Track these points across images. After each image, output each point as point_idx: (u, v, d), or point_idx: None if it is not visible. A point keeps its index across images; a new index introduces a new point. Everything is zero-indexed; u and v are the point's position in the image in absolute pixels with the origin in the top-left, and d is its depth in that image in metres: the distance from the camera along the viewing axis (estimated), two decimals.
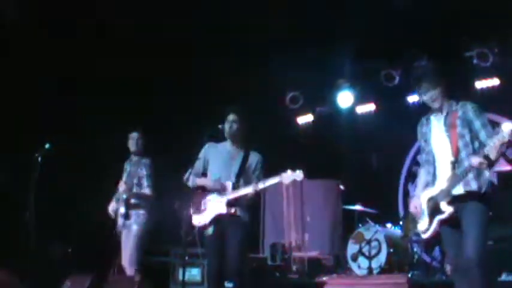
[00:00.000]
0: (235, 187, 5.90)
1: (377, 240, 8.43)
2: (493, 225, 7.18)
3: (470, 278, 4.59)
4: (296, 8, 8.45)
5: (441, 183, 4.94)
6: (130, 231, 6.94)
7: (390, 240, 8.37)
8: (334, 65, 9.83)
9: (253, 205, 6.16)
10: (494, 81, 8.96)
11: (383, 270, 8.26)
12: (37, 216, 6.97)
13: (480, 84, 9.08)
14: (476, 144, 4.84)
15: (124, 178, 7.14)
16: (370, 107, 10.55)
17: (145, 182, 7.00)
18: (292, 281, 9.00)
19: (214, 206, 5.92)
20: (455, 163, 4.87)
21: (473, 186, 4.80)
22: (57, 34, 8.56)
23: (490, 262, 5.04)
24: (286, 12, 8.45)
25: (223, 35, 8.80)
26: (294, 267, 9.46)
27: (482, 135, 4.81)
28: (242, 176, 5.96)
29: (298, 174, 5.75)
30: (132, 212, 6.96)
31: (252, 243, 9.62)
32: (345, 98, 10.42)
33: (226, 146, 6.17)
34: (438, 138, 5.08)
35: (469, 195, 4.80)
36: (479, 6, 7.89)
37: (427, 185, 5.11)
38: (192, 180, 6.15)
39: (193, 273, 8.59)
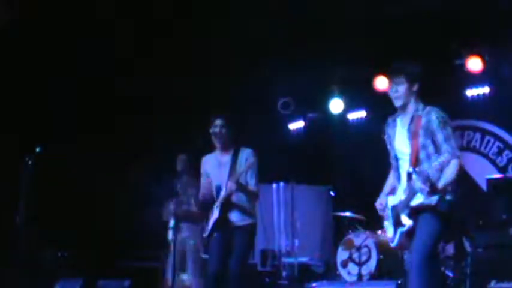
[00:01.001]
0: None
1: (367, 246, 8.44)
2: (483, 232, 7.31)
3: (411, 277, 4.55)
4: (288, 14, 8.46)
5: (401, 193, 4.79)
6: (185, 245, 7.36)
7: (380, 247, 8.37)
8: (325, 71, 9.85)
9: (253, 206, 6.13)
10: (485, 89, 8.98)
11: (373, 277, 8.26)
12: (28, 220, 6.95)
13: (471, 92, 9.10)
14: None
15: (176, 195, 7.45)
16: (361, 114, 10.56)
17: (193, 201, 7.39)
18: (282, 287, 9.00)
19: (213, 213, 5.94)
20: (413, 174, 4.60)
21: (426, 202, 4.60)
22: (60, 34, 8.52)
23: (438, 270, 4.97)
24: (278, 17, 8.45)
25: (218, 38, 8.80)
26: (284, 273, 9.46)
27: (444, 149, 4.59)
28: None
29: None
30: (184, 226, 7.30)
31: None
32: (336, 105, 10.41)
33: (217, 153, 6.16)
34: (401, 144, 4.86)
35: (425, 207, 4.62)
36: (471, 13, 7.93)
37: (394, 190, 4.95)
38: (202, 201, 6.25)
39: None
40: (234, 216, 5.89)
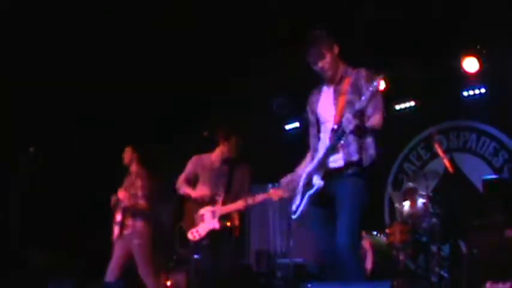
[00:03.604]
0: (225, 202, 6.04)
1: (362, 247, 8.40)
2: (479, 233, 7.28)
3: (342, 263, 4.25)
4: (286, 13, 8.45)
5: (318, 154, 4.49)
6: (131, 244, 7.01)
7: (375, 248, 8.34)
8: None
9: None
10: (481, 90, 8.95)
11: (368, 278, 8.22)
12: (19, 220, 6.93)
13: (467, 93, 9.07)
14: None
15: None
16: None
17: (140, 193, 7.05)
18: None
19: (207, 221, 6.05)
20: (336, 131, 4.33)
21: (354, 157, 4.37)
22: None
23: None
24: (274, 16, 8.44)
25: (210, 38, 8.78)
26: (279, 274, 9.42)
27: (370, 110, 4.37)
28: (232, 189, 6.12)
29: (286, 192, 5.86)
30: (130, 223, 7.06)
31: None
32: None
33: (213, 160, 6.27)
34: (325, 107, 4.63)
35: (347, 168, 4.36)
36: (468, 14, 7.91)
37: (312, 160, 4.62)
38: (181, 188, 6.26)
39: (179, 279, 8.54)
40: (226, 222, 6.08)
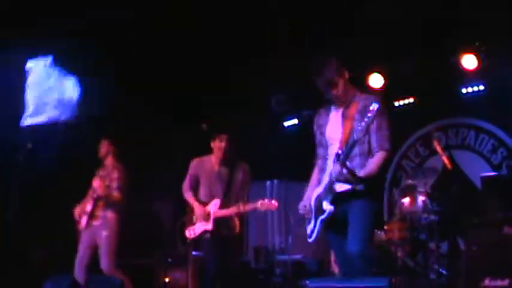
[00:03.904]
0: (223, 205, 6.13)
1: None
2: (477, 230, 7.29)
3: (354, 271, 4.37)
4: (286, 13, 8.44)
5: (325, 179, 4.60)
6: (98, 234, 7.00)
7: (374, 245, 8.34)
8: None
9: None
10: (480, 87, 8.95)
11: None
12: (19, 217, 6.92)
13: (466, 89, 9.07)
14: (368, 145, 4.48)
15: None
16: None
17: (114, 184, 7.05)
18: (276, 284, 8.99)
19: (202, 222, 6.17)
20: (340, 156, 4.39)
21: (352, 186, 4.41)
22: None
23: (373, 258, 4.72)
24: (274, 16, 8.43)
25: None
26: (278, 271, 9.43)
27: (374, 140, 4.49)
28: (230, 192, 6.22)
29: (273, 204, 6.01)
30: (100, 213, 7.04)
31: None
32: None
33: (213, 162, 6.37)
34: (333, 130, 4.71)
35: (354, 193, 4.43)
36: (467, 11, 7.90)
37: (319, 182, 4.74)
38: (185, 195, 6.39)
39: (177, 277, 8.54)
40: (225, 229, 6.18)
